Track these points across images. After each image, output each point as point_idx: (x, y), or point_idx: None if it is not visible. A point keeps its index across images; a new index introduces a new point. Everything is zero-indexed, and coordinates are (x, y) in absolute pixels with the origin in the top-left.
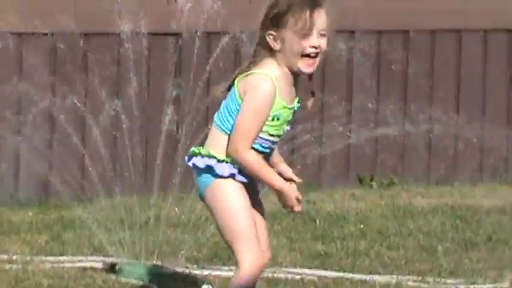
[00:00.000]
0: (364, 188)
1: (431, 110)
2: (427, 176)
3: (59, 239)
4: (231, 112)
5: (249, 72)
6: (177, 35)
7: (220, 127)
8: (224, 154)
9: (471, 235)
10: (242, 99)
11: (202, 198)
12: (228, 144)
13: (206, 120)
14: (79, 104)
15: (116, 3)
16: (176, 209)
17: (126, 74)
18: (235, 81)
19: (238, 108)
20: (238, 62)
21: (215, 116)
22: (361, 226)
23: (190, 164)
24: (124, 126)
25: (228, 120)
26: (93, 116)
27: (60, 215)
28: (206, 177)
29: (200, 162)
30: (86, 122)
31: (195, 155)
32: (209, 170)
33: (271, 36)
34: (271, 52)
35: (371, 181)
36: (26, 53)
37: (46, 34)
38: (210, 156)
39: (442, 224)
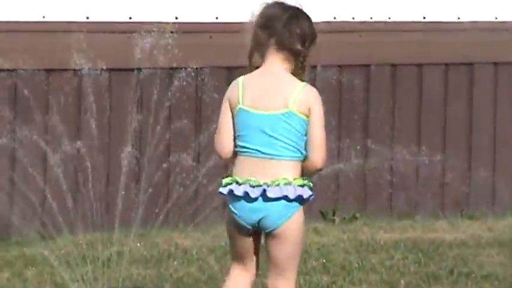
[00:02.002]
0: (327, 223)
1: (392, 145)
2: (389, 211)
3: (21, 276)
4: (300, 136)
5: (299, 88)
6: (138, 69)
7: (293, 158)
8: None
9: (433, 269)
10: (305, 115)
11: (273, 228)
12: (314, 161)
13: (168, 155)
14: (40, 141)
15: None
16: (138, 244)
17: (87, 110)
18: (290, 106)
19: (305, 125)
20: (199, 97)
21: (273, 151)
22: (324, 261)
23: (282, 194)
24: (85, 162)
25: (301, 145)
26: (54, 152)
27: (22, 252)
28: (293, 206)
29: (305, 192)
30: (47, 158)
31: (288, 184)
32: (300, 199)
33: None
34: (298, 67)
35: (333, 216)
36: None
37: (5, 70)
38: (305, 185)
39: (405, 258)
